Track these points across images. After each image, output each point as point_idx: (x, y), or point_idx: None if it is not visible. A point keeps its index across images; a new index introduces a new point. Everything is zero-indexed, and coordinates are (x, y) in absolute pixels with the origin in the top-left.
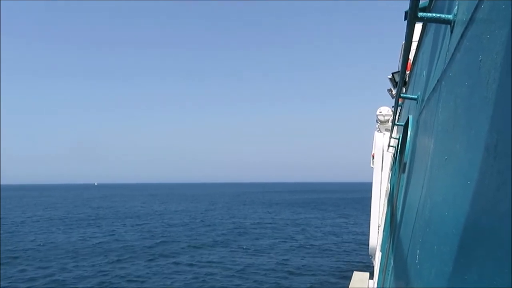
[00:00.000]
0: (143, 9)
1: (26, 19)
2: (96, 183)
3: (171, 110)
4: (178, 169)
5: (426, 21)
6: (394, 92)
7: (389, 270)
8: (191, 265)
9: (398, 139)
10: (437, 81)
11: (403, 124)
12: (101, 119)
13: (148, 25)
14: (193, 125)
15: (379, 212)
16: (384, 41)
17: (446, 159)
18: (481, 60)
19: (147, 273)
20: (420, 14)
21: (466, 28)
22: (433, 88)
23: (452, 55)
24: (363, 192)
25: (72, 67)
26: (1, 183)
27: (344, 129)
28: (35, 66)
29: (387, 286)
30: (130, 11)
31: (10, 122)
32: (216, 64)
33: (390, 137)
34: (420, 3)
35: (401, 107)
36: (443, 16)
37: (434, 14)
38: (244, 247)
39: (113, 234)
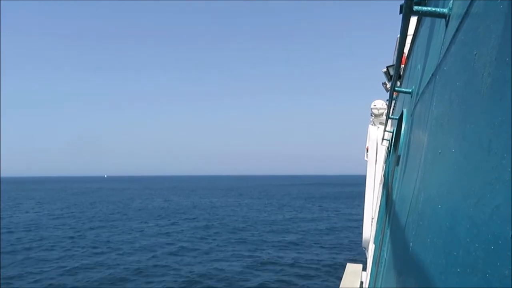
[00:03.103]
0: (149, 4)
1: (26, 12)
2: (106, 176)
3: (180, 105)
4: (186, 162)
5: (421, 15)
6: (388, 85)
7: (382, 262)
8: None
9: (392, 132)
10: (432, 75)
11: (397, 117)
12: (115, 114)
13: (156, 20)
14: (202, 121)
15: (372, 204)
16: (380, 34)
17: (440, 153)
18: (476, 54)
19: None
20: (416, 7)
21: (461, 22)
22: (428, 82)
23: (447, 49)
24: (360, 185)
25: (81, 61)
26: (13, 175)
27: (339, 122)
28: (45, 61)
29: (380, 278)
30: (134, 6)
31: (24, 116)
32: (221, 60)
33: (384, 130)
34: None
35: (396, 100)
36: (438, 10)
37: (429, 8)
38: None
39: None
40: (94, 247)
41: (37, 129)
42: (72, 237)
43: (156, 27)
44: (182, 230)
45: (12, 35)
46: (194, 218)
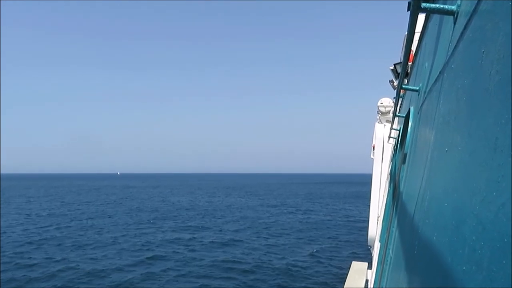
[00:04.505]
0: (152, 4)
1: (29, 8)
2: (119, 173)
3: (186, 104)
4: (195, 161)
5: (429, 12)
6: (395, 83)
7: (387, 261)
8: None
9: (399, 130)
10: (439, 72)
11: (404, 115)
12: (125, 112)
13: (159, 19)
14: (207, 120)
15: (378, 202)
16: (388, 32)
17: (446, 151)
18: (484, 52)
19: None
20: (424, 4)
21: (469, 19)
22: (435, 80)
23: (455, 46)
24: (366, 184)
25: (90, 59)
26: (31, 172)
27: (343, 121)
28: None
29: (386, 276)
30: (138, 5)
31: (31, 113)
32: (229, 58)
33: (391, 128)
34: None
35: (403, 98)
36: (446, 7)
37: (437, 5)
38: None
39: None
40: (50, 259)
41: (41, 127)
42: (29, 244)
43: (156, 26)
44: (163, 239)
45: (11, 30)
46: (188, 222)
